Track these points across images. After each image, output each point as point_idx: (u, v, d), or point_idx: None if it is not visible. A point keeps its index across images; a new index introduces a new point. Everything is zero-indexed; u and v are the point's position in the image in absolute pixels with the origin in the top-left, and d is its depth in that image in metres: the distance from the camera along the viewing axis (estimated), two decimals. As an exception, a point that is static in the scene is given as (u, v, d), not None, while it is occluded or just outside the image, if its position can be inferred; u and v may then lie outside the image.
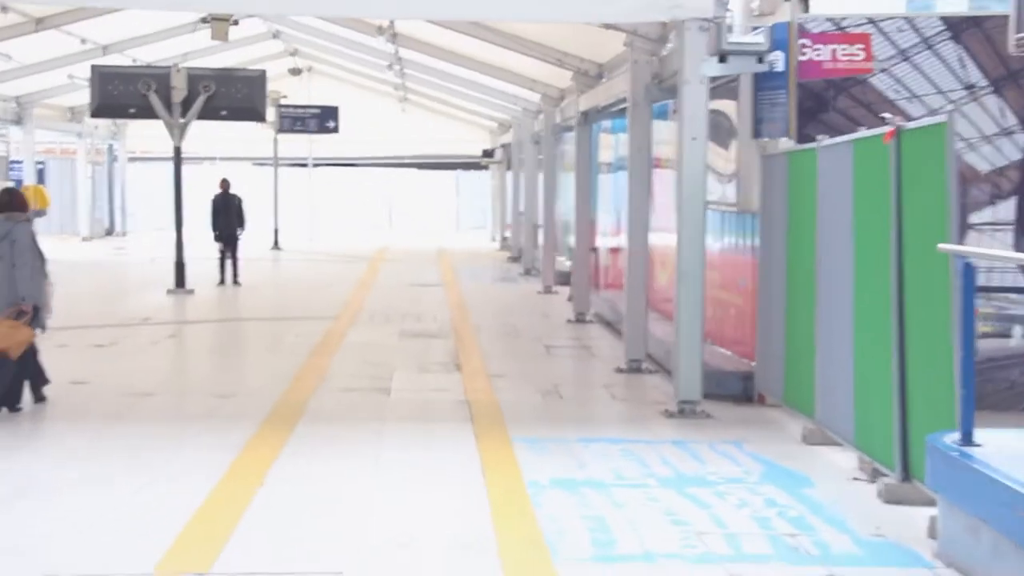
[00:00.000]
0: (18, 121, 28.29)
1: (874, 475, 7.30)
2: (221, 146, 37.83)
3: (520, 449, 8.12)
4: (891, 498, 6.85)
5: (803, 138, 9.49)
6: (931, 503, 6.27)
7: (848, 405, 7.80)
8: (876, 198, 7.20)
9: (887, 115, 7.16)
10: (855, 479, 7.46)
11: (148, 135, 31.74)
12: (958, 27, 9.50)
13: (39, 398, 9.39)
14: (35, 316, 9.19)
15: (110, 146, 36.38)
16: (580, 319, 15.89)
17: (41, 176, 32.88)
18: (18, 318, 9.04)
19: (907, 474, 6.87)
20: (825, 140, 8.29)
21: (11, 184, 25.38)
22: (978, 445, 5.72)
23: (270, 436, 8.38)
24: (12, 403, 9.12)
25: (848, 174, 7.73)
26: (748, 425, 9.17)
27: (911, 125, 6.89)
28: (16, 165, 30.14)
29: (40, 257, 9.34)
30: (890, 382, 7.00)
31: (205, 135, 34.72)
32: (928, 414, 6.61)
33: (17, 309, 9.04)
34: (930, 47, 9.51)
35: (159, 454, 7.84)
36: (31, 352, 9.30)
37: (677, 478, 7.43)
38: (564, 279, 19.17)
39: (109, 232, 35.81)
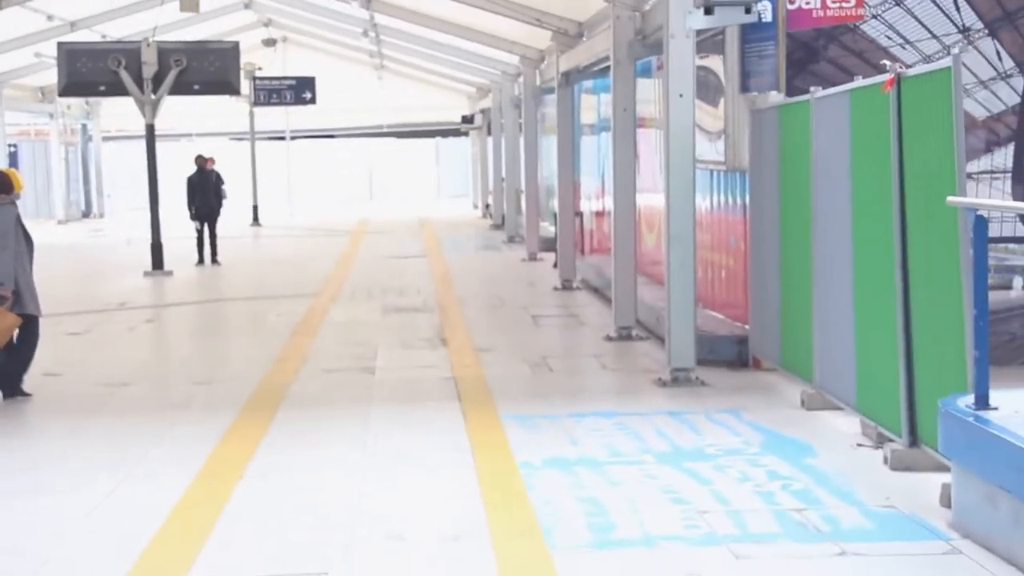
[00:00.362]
0: (-13, 104, 27.73)
1: (879, 440, 7.02)
2: (197, 122, 37.30)
3: (510, 427, 7.80)
4: (899, 465, 6.57)
5: (793, 91, 9.16)
6: (942, 469, 6.01)
7: (849, 367, 7.51)
8: (875, 150, 6.86)
9: (887, 62, 6.80)
10: (859, 445, 7.17)
11: (122, 113, 31.10)
12: (952, -32, 9.14)
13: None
14: (17, 301, 8.73)
15: (84, 126, 35.75)
16: (566, 286, 15.57)
17: (13, 159, 32.27)
18: None
19: (915, 439, 6.58)
20: (818, 91, 7.94)
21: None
22: (994, 408, 5.43)
23: (250, 424, 8.03)
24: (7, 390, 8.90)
25: (845, 126, 7.38)
26: (745, 392, 8.87)
27: (913, 72, 6.53)
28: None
29: (26, 241, 8.97)
30: (894, 342, 6.71)
31: (181, 111, 34.23)
32: (935, 374, 6.32)
33: None
34: (924, -11, 9.15)
35: (135, 449, 7.46)
36: (33, 338, 9.00)
37: (674, 452, 7.13)
38: (549, 245, 18.84)
39: (86, 214, 35.24)
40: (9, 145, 30.73)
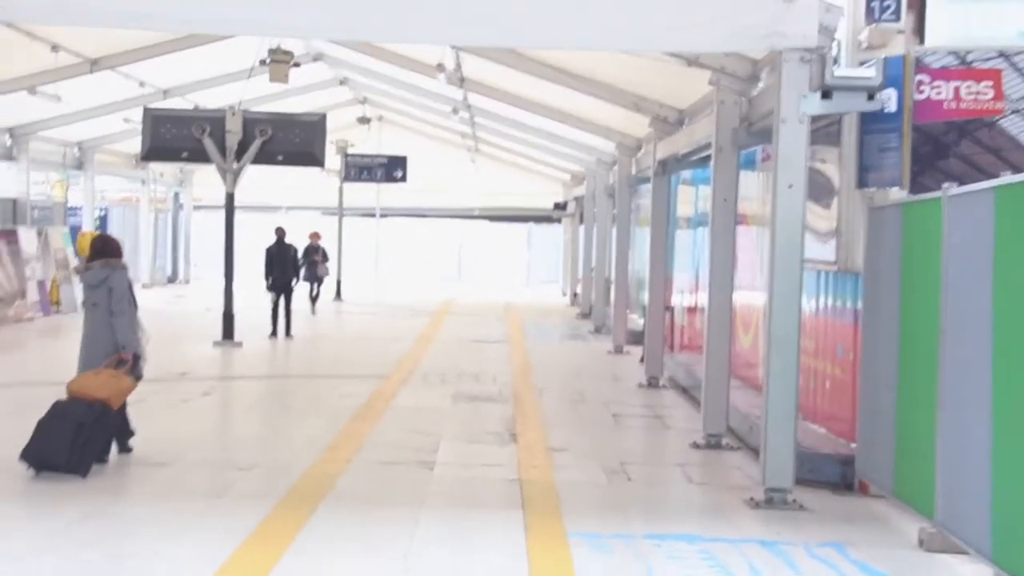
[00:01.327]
0: (79, 167, 27.76)
1: (1017, 599, 5.87)
2: (290, 195, 37.30)
3: (577, 547, 6.79)
4: (1044, 634, 5.43)
5: (917, 188, 8.14)
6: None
7: (982, 507, 6.37)
8: (1028, 254, 5.82)
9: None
10: (992, 604, 6.03)
11: (215, 183, 31.06)
12: (1107, 58, 8.11)
13: (124, 448, 9.05)
14: (134, 365, 8.92)
15: (176, 193, 35.85)
16: (652, 384, 14.51)
17: (104, 223, 32.32)
18: (117, 367, 8.76)
19: (1065, 604, 5.43)
20: (953, 188, 6.93)
21: (65, 230, 24.86)
22: None
23: (283, 522, 7.13)
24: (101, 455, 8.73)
25: (987, 227, 6.35)
26: (850, 522, 7.75)
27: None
28: (76, 211, 29.49)
29: (134, 304, 9.17)
30: (1041, 483, 5.59)
31: (274, 183, 34.17)
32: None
33: (117, 358, 8.79)
34: (1074, 82, 8.13)
35: (148, 546, 6.61)
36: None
37: (768, 595, 6.06)
38: (637, 338, 17.88)
39: (171, 280, 35.16)
40: (99, 209, 30.76)
